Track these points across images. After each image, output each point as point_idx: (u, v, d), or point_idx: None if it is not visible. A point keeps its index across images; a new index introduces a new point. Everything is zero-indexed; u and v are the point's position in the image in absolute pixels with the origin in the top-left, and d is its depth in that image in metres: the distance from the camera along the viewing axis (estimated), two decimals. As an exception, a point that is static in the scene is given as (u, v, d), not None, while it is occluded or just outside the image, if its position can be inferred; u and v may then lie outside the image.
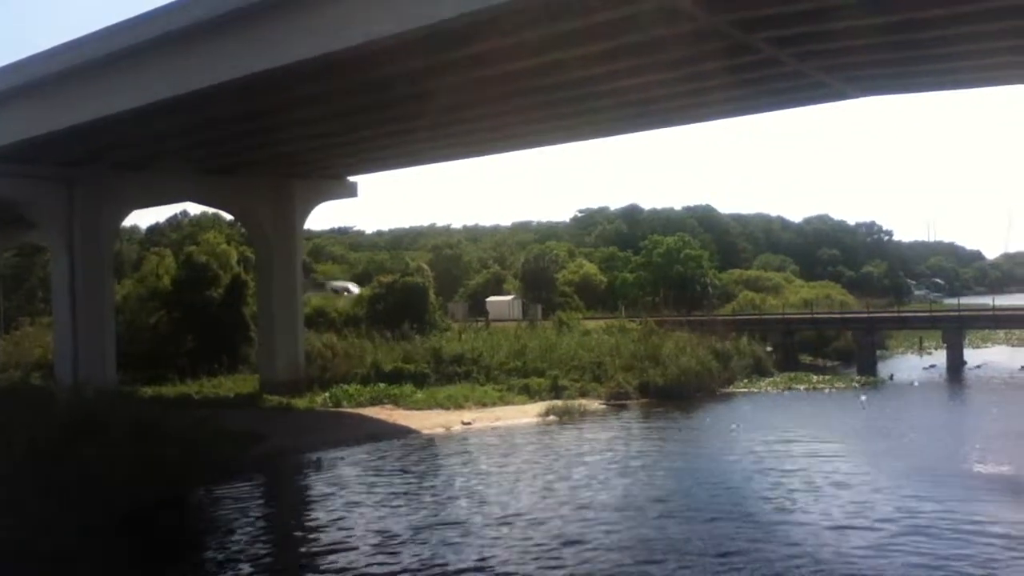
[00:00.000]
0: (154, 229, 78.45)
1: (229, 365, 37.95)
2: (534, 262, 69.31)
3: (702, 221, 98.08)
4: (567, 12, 17.63)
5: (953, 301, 68.50)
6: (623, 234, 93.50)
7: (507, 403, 31.73)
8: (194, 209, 73.77)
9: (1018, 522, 15.50)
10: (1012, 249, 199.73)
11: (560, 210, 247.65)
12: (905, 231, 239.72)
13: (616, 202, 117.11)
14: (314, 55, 19.68)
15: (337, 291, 64.23)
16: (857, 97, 26.67)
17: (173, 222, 77.87)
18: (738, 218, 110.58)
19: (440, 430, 27.15)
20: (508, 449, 24.32)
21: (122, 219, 35.75)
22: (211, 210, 61.10)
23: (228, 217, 54.94)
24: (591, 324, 45.47)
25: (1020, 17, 18.44)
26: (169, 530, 16.24)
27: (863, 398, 32.79)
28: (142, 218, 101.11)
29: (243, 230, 47.59)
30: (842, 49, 21.43)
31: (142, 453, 15.93)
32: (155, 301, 41.51)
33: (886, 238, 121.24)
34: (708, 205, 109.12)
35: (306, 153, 33.09)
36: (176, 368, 36.90)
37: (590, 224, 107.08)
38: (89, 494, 15.05)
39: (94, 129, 25.74)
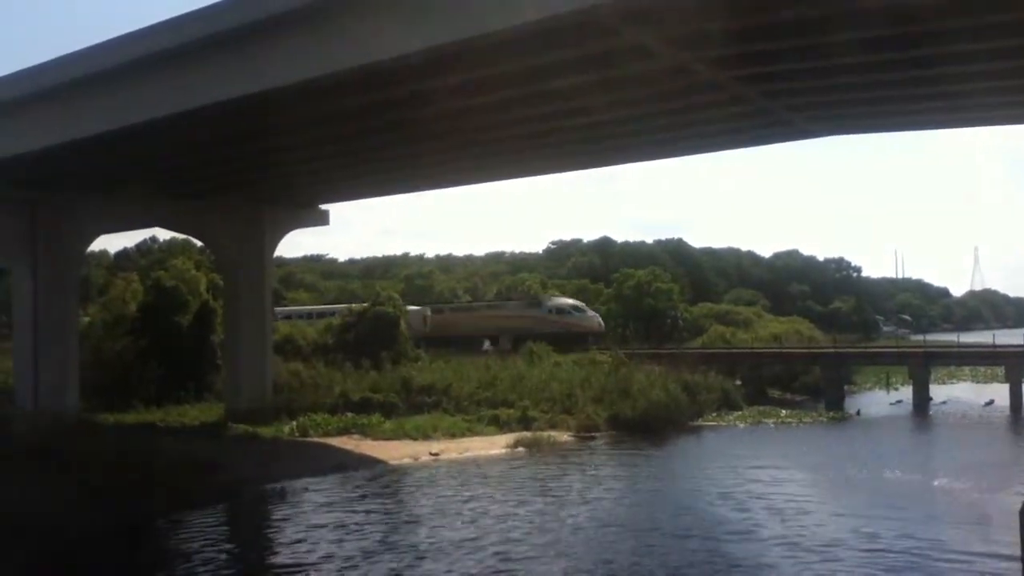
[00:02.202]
0: (123, 254, 77.78)
1: (195, 393, 37.41)
2: (506, 293, 69.40)
3: (674, 255, 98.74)
4: (540, 46, 17.80)
5: (920, 338, 69.40)
6: (595, 266, 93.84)
7: (476, 434, 31.52)
8: (164, 235, 73.33)
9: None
10: (978, 287, 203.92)
11: (533, 242, 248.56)
12: (874, 268, 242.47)
13: (589, 234, 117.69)
14: (288, 83, 19.70)
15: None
16: (824, 135, 27.16)
17: (143, 247, 77.35)
18: (709, 252, 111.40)
19: (408, 461, 26.91)
20: (474, 480, 24.13)
21: (88, 243, 35.31)
22: (181, 236, 60.62)
23: (199, 243, 54.58)
24: (561, 356, 45.48)
25: (989, 61, 18.87)
26: (118, 560, 15.85)
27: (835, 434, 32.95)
28: (111, 243, 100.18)
29: (213, 256, 47.24)
30: (809, 88, 21.83)
31: (98, 481, 15.63)
32: (121, 327, 40.91)
33: (855, 274, 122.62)
34: (680, 239, 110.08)
35: (278, 180, 33.03)
36: (141, 395, 36.33)
37: (563, 256, 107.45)
38: (38, 522, 14.70)
39: (60, 153, 25.49)
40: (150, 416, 34.38)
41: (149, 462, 18.03)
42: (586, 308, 58.91)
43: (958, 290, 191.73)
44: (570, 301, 59.44)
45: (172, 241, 70.67)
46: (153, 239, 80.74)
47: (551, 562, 15.77)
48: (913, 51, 18.44)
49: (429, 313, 59.99)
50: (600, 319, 58.04)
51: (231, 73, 20.40)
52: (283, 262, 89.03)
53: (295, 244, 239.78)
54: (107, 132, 23.32)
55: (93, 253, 59.84)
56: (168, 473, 22.09)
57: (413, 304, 64.20)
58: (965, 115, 25.42)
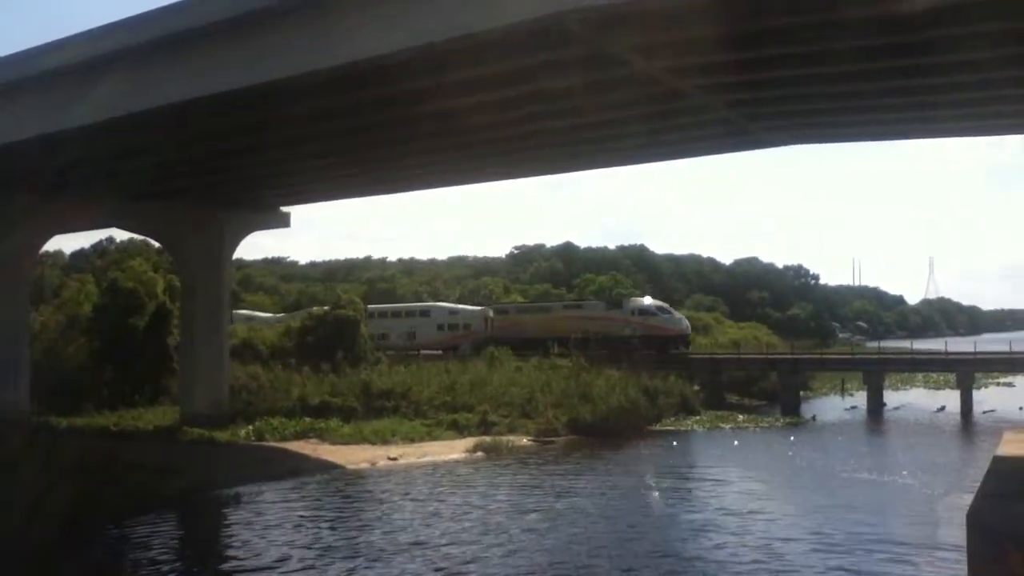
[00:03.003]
0: (79, 255, 76.39)
1: (150, 396, 36.90)
2: (469, 297, 69.37)
3: (636, 261, 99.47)
4: (503, 54, 17.80)
5: (875, 344, 70.60)
6: (558, 272, 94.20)
7: (435, 438, 31.44)
8: (121, 235, 72.00)
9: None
10: (932, 295, 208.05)
11: (496, 246, 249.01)
12: (832, 276, 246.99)
13: (552, 240, 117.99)
14: (250, 84, 19.47)
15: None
16: (783, 145, 27.50)
17: (99, 248, 75.94)
18: (671, 258, 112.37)
19: (365, 465, 26.76)
20: (431, 484, 24.05)
21: (42, 243, 34.57)
22: (139, 237, 59.71)
23: (157, 244, 53.81)
24: (522, 360, 45.49)
25: (959, 74, 19.23)
26: (67, 567, 15.55)
27: (791, 438, 33.35)
28: (67, 243, 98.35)
29: (171, 258, 46.60)
30: (770, 99, 22.08)
31: (47, 487, 15.30)
32: (75, 329, 40.21)
33: (813, 282, 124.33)
34: (642, 245, 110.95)
35: (238, 181, 32.61)
36: (94, 399, 35.70)
37: (526, 261, 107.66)
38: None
39: (7, 152, 24.94)
40: (103, 420, 33.90)
41: (101, 467, 17.66)
42: (672, 309, 54.56)
43: (913, 298, 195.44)
44: (655, 301, 54.48)
45: (130, 242, 69.46)
46: (110, 239, 79.36)
47: (501, 562, 15.89)
48: (875, 63, 18.72)
49: (492, 314, 56.96)
50: (687, 321, 54.12)
51: (189, 73, 20.13)
52: (242, 264, 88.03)
53: (255, 246, 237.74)
54: (58, 132, 22.83)
55: (47, 253, 58.66)
56: (121, 478, 21.76)
57: (474, 304, 63.14)
58: (934, 126, 25.84)
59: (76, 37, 22.05)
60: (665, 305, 54.40)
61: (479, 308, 59.35)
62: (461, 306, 63.18)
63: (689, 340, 52.74)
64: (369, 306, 64.72)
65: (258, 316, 63.46)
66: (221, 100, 20.40)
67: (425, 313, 60.14)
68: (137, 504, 19.98)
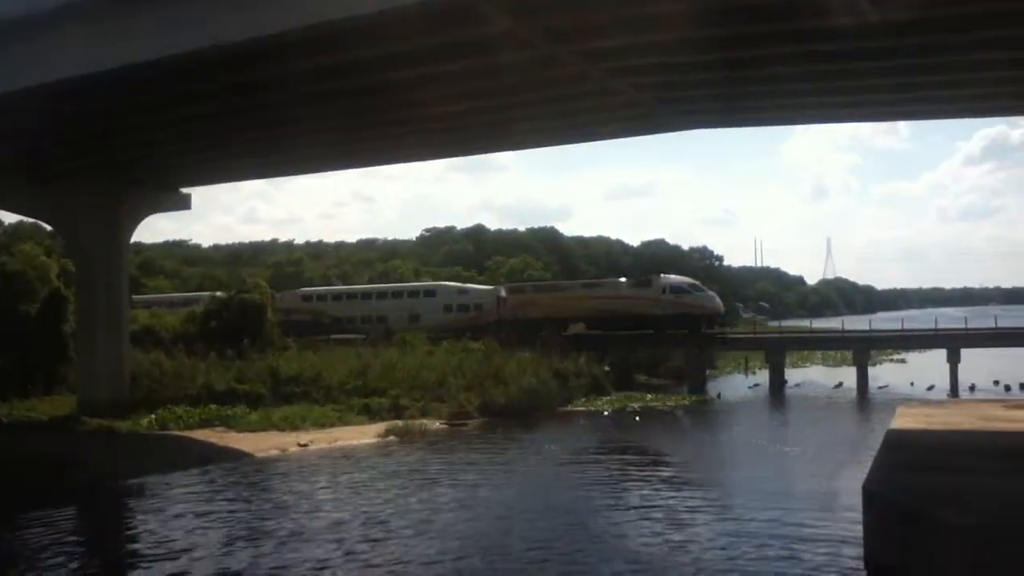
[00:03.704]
0: (-37, 238, 72.31)
1: (44, 386, 35.35)
2: (379, 280, 68.66)
3: (546, 243, 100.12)
4: (425, 30, 17.59)
5: (776, 323, 72.93)
6: (469, 254, 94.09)
7: (347, 424, 31.07)
8: (10, 218, 68.50)
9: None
10: (830, 275, 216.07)
11: (406, 229, 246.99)
12: (735, 257, 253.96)
13: (464, 222, 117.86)
14: (148, 59, 18.72)
15: None
16: (687, 128, 28.08)
17: (-15, 231, 72.02)
18: (580, 241, 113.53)
19: (275, 452, 26.25)
20: (342, 470, 23.79)
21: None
22: (29, 219, 56.91)
23: (48, 227, 51.41)
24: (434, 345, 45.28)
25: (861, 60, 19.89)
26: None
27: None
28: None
29: (64, 241, 44.61)
30: (675, 83, 22.47)
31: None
32: (-39, 316, 38.14)
33: (717, 263, 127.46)
34: (552, 227, 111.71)
35: (137, 161, 31.46)
36: (-18, 389, 34.02)
37: (436, 243, 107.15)
38: None
39: None
40: (-7, 411, 32.33)
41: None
42: (703, 286, 50.73)
43: (812, 278, 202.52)
44: (686, 279, 51.03)
45: (20, 224, 66.17)
46: (-4, 222, 75.50)
47: (409, 543, 15.98)
48: (782, 48, 19.23)
49: (504, 293, 52.65)
50: (719, 299, 49.81)
51: (83, 47, 19.23)
52: (142, 248, 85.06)
53: (154, 229, 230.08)
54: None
55: (-72, 237, 55.33)
56: (14, 471, 20.84)
57: (485, 284, 58.90)
58: (832, 111, 26.81)
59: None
60: (696, 282, 51.08)
61: (491, 287, 55.54)
62: (471, 285, 58.44)
63: (721, 319, 49.59)
64: (365, 286, 61.04)
65: (157, 300, 61.14)
66: (117, 76, 19.57)
67: (430, 293, 55.68)
68: (35, 498, 19.21)
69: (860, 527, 8.09)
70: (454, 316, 52.10)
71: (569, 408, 36.78)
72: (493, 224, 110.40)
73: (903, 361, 59.74)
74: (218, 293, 48.57)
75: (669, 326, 46.08)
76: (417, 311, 53.20)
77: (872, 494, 8.92)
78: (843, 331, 50.47)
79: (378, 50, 18.60)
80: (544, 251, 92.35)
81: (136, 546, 16.63)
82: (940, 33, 17.95)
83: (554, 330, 46.54)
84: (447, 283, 59.72)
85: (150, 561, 15.38)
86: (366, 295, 57.65)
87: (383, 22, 16.45)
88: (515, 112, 24.84)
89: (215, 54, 18.36)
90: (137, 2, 18.35)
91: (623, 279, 53.91)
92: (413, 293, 56.32)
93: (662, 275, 50.90)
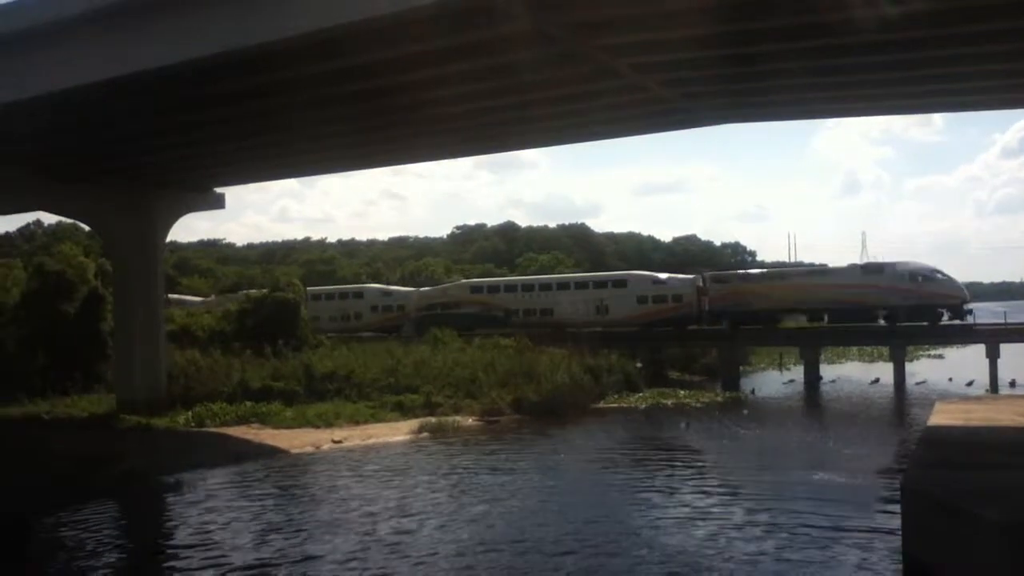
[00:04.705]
0: (3, 239, 73.91)
1: (84, 384, 35.98)
2: (410, 278, 68.99)
3: (576, 239, 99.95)
4: (442, 31, 17.64)
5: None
6: (500, 251, 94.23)
7: (380, 420, 31.25)
8: (49, 218, 69.91)
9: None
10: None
11: (437, 227, 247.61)
12: (769, 253, 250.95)
13: (493, 220, 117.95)
14: (180, 60, 18.97)
15: None
16: (713, 123, 27.92)
17: (25, 232, 73.56)
18: (611, 237, 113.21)
19: (309, 449, 26.47)
20: (375, 466, 23.92)
21: (-37, 228, 33.37)
22: (68, 220, 57.97)
23: (87, 227, 52.30)
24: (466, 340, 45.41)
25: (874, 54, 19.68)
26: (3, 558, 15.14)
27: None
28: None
29: (102, 241, 45.34)
30: (705, 78, 22.30)
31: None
32: (2, 316, 38.95)
33: (750, 259, 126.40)
34: (583, 224, 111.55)
35: (171, 161, 31.85)
36: (25, 387, 34.68)
37: (467, 241, 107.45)
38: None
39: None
40: (36, 408, 33.05)
41: (35, 456, 17.14)
42: (944, 272, 44.61)
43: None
44: (926, 264, 45.37)
45: (59, 225, 67.53)
46: (37, 223, 77.02)
47: (441, 541, 15.97)
48: (808, 42, 19.06)
49: (704, 283, 48.56)
50: (963, 286, 45.10)
51: (117, 50, 19.51)
52: (177, 247, 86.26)
53: (190, 228, 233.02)
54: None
55: (-30, 238, 56.66)
56: (56, 467, 21.19)
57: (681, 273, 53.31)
58: (856, 104, 26.49)
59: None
60: (937, 268, 45.20)
61: (689, 276, 50.29)
62: (667, 274, 52.34)
63: (965, 307, 44.16)
64: (542, 276, 58.12)
65: (188, 300, 61.83)
66: (152, 77, 19.84)
67: (621, 283, 50.77)
68: (75, 493, 19.54)
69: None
70: (649, 308, 48.56)
71: (602, 405, 36.68)
72: (523, 221, 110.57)
73: (940, 357, 58.86)
74: (251, 292, 49.05)
75: (904, 317, 42.92)
76: (606, 303, 50.07)
77: (910, 491, 8.81)
78: (878, 326, 49.42)
79: (394, 52, 18.68)
80: (575, 247, 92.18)
81: (174, 538, 16.92)
82: (957, 25, 17.76)
83: (768, 324, 43.25)
84: (639, 272, 54.34)
85: (188, 549, 15.66)
86: (545, 286, 53.57)
87: (400, 24, 16.53)
88: (533, 110, 24.81)
89: (231, 58, 18.55)
90: (164, 6, 18.59)
91: (850, 265, 48.50)
92: (600, 284, 52.15)
93: (898, 261, 45.84)
